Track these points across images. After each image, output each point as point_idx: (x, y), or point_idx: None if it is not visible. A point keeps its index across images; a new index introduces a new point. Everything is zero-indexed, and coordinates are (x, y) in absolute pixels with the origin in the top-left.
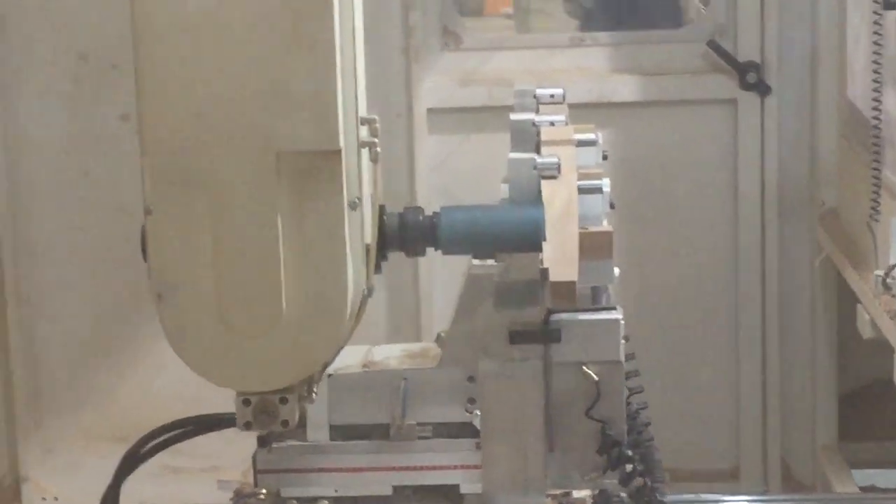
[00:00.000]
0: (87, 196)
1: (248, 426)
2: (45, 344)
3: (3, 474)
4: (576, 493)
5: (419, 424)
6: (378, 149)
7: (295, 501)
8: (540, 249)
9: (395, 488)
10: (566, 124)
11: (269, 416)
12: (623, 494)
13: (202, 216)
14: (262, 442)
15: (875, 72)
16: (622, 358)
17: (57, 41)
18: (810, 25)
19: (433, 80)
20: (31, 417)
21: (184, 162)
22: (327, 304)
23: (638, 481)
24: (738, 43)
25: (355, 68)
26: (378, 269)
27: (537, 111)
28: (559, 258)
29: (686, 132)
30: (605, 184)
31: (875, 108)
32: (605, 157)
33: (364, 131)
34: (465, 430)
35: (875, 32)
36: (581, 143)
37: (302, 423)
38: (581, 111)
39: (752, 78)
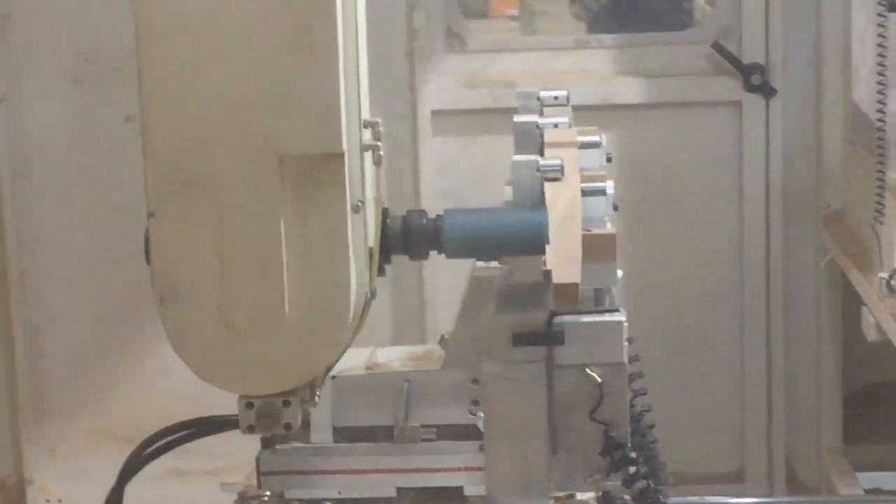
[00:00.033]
0: (90, 197)
1: (250, 429)
2: (48, 345)
3: (8, 476)
4: (579, 496)
5: (423, 426)
6: (381, 152)
7: (298, 503)
8: (543, 252)
9: (399, 490)
10: (570, 126)
11: (271, 419)
12: (627, 497)
13: (205, 219)
14: (266, 444)
15: (880, 74)
16: (625, 360)
17: (60, 42)
18: (815, 27)
19: (437, 83)
20: (35, 419)
21: (187, 165)
22: (330, 307)
23: (641, 483)
24: (742, 45)
25: (358, 71)
26: (381, 272)
27: (541, 113)
28: (562, 260)
29: (690, 134)
30: (609, 186)
31: (879, 111)
32: (608, 160)
33: (367, 134)
34: (468, 433)
35: (879, 35)
36: (585, 146)
37: (306, 424)
38: (586, 113)
39: (756, 80)
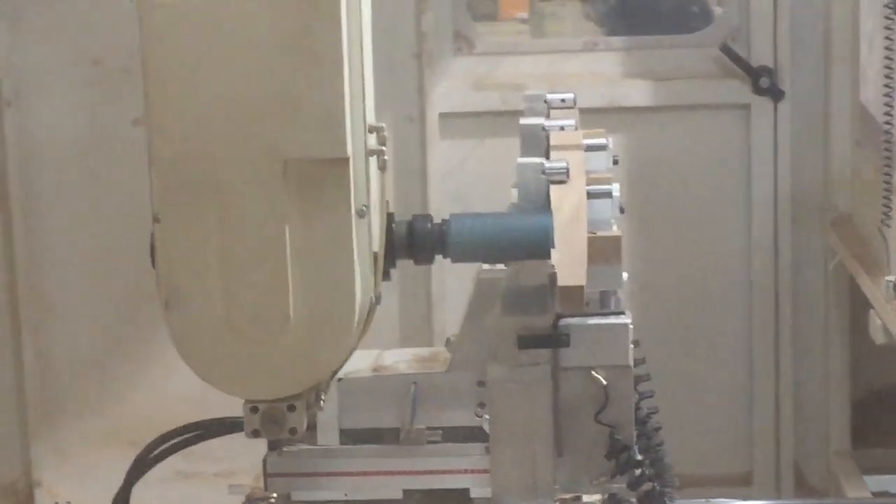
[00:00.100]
0: (99, 200)
1: (255, 434)
2: (57, 348)
3: (16, 479)
4: (586, 498)
5: (429, 429)
6: (386, 157)
7: None
8: (549, 257)
9: (405, 492)
10: (576, 129)
11: (276, 423)
12: (633, 500)
13: (210, 224)
14: (273, 446)
15: (887, 76)
16: (631, 362)
17: (69, 45)
18: (823, 30)
19: (446, 85)
20: (44, 422)
21: (191, 169)
22: (335, 311)
23: (647, 486)
24: (750, 47)
25: (363, 75)
26: (387, 276)
27: (548, 116)
28: (567, 263)
29: (698, 137)
30: (615, 188)
31: (887, 113)
32: (615, 162)
33: (372, 139)
34: (474, 435)
35: (887, 37)
36: (591, 148)
37: (312, 426)
38: (594, 116)
39: (765, 83)
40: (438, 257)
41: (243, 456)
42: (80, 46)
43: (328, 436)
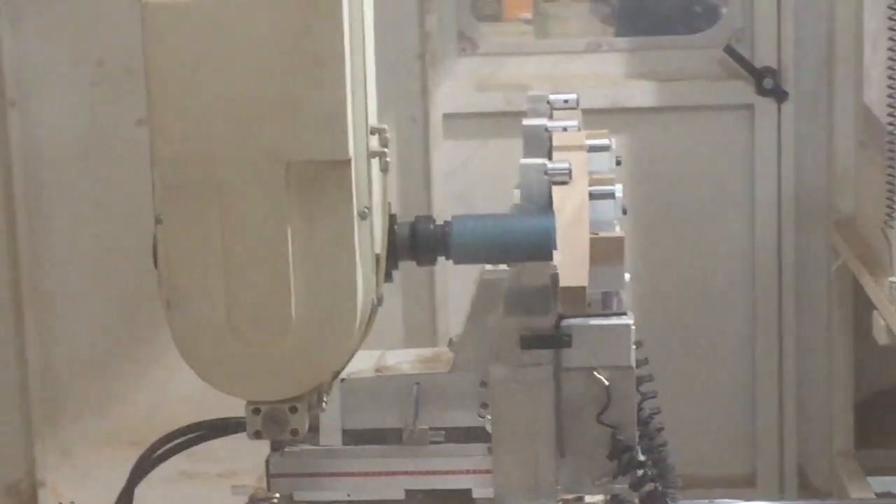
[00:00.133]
0: (103, 200)
1: (257, 435)
2: (60, 348)
3: (20, 479)
4: (588, 499)
5: (431, 429)
6: (388, 158)
7: None
8: (551, 259)
9: (408, 492)
10: (579, 130)
11: (278, 425)
12: (636, 500)
13: (212, 225)
14: (276, 446)
15: (891, 77)
16: (633, 363)
17: (74, 46)
18: (827, 31)
19: (449, 86)
20: (48, 422)
21: (194, 172)
22: (337, 313)
23: (649, 486)
24: (754, 48)
25: (365, 77)
26: (389, 278)
27: (551, 116)
28: (569, 263)
29: (702, 138)
30: (618, 189)
31: (890, 114)
32: (618, 163)
33: (374, 141)
34: (477, 435)
35: (890, 38)
36: (594, 149)
37: (315, 427)
38: (597, 117)
39: (768, 83)
40: (441, 258)
41: (246, 456)
42: (83, 47)
43: (331, 436)
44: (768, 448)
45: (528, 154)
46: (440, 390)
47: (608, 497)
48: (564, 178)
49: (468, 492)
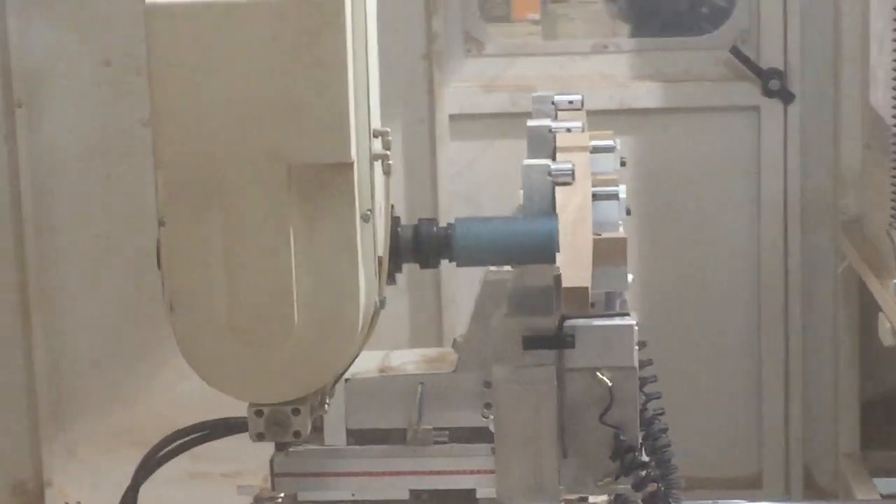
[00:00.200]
0: (111, 201)
1: (260, 437)
2: (68, 348)
3: (27, 478)
4: (591, 499)
5: (436, 429)
6: (390, 161)
7: None
8: (554, 261)
9: (412, 492)
10: (583, 131)
11: (281, 427)
12: (640, 500)
13: (214, 228)
14: (280, 446)
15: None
16: (636, 364)
17: (81, 46)
18: (833, 32)
19: (455, 87)
20: (55, 422)
21: (196, 174)
22: (339, 316)
23: (652, 487)
24: (760, 50)
25: (368, 80)
26: (392, 280)
27: (555, 117)
28: (572, 264)
29: (708, 139)
30: (621, 190)
31: (895, 115)
32: (622, 164)
33: (377, 143)
34: (481, 435)
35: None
36: (599, 150)
37: (319, 427)
38: (603, 118)
39: (774, 85)
40: (445, 260)
41: (252, 456)
42: (91, 47)
43: (335, 436)
44: (774, 449)
45: (531, 155)
46: (444, 390)
47: (612, 497)
48: (567, 178)
49: (472, 492)
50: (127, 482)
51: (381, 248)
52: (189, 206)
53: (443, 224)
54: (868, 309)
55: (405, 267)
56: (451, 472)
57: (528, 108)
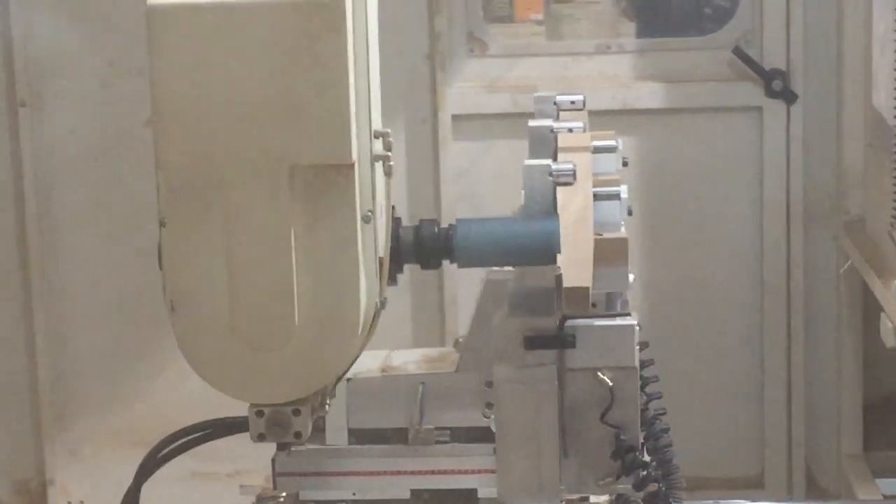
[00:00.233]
0: (113, 200)
1: (261, 437)
2: (71, 347)
3: (30, 477)
4: (593, 499)
5: (437, 429)
6: (391, 162)
7: None
8: (555, 262)
9: (413, 492)
10: (584, 131)
11: (281, 427)
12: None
13: (215, 228)
14: (282, 445)
15: None
16: (637, 364)
17: (85, 46)
18: (836, 33)
19: (458, 87)
20: (57, 421)
21: (197, 175)
22: (340, 317)
23: (652, 486)
24: (763, 50)
25: (369, 81)
26: (393, 281)
27: (557, 117)
28: (573, 264)
29: (711, 140)
30: (623, 190)
31: None
32: (625, 164)
33: (378, 144)
34: (482, 435)
35: None
36: (601, 150)
37: (321, 427)
38: (606, 118)
39: (777, 85)
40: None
41: (255, 456)
42: (94, 47)
43: (337, 435)
44: (776, 449)
45: (533, 155)
46: (446, 390)
47: (613, 497)
48: (568, 179)
49: (473, 492)
50: (129, 481)
51: (382, 249)
52: (190, 207)
53: (445, 224)
54: (870, 309)
55: (408, 267)
56: (452, 472)
57: (530, 109)
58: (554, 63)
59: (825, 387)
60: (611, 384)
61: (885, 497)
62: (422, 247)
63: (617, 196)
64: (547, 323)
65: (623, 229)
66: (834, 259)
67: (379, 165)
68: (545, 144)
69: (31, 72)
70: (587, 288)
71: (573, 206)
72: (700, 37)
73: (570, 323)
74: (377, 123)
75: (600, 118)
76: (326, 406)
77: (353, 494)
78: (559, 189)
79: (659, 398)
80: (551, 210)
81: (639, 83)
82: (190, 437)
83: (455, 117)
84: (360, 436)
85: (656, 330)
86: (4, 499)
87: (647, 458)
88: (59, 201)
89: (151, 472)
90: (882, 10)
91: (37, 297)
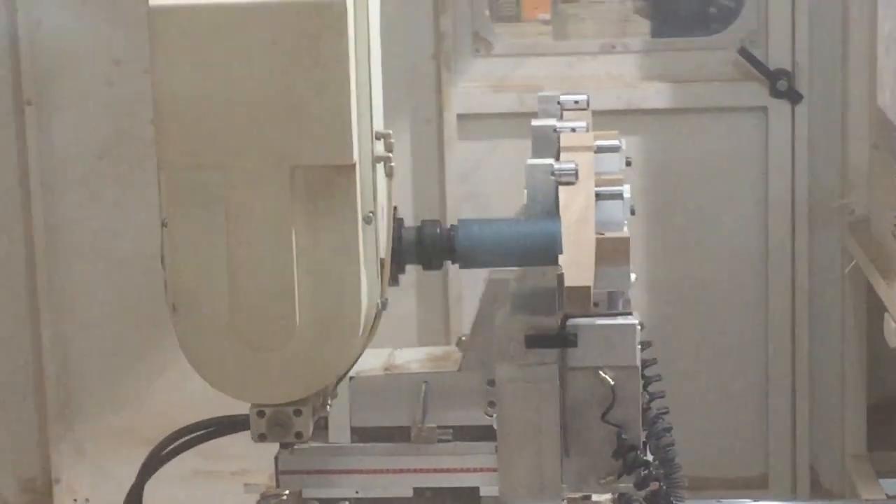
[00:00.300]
0: (120, 200)
1: (262, 438)
2: (77, 347)
3: (36, 476)
4: (595, 497)
5: (440, 427)
6: (393, 163)
7: (317, 502)
8: (557, 263)
9: (416, 490)
10: (587, 130)
11: (283, 427)
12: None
13: (217, 229)
14: (285, 444)
15: None
16: (638, 363)
17: (91, 45)
18: (841, 33)
19: (464, 86)
20: (63, 419)
21: (199, 176)
22: (341, 318)
23: (653, 485)
24: (768, 50)
25: (371, 82)
26: (395, 281)
27: (561, 117)
28: (575, 263)
29: (716, 140)
30: (625, 190)
31: None
32: (628, 163)
33: (379, 146)
34: (485, 434)
35: None
36: (604, 150)
37: (323, 425)
38: (611, 118)
39: (782, 85)
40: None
41: (260, 455)
42: (100, 46)
43: (340, 434)
44: (781, 450)
45: (536, 154)
46: (448, 389)
47: (614, 496)
48: (571, 178)
49: (476, 490)
50: (133, 479)
51: (383, 250)
52: (192, 208)
53: (449, 223)
54: (875, 310)
55: (412, 266)
56: (454, 470)
57: (536, 108)
58: (559, 63)
59: (829, 387)
60: (612, 383)
61: (889, 497)
62: (423, 248)
63: (619, 195)
64: (549, 322)
65: (625, 229)
66: (838, 259)
67: (380, 166)
68: (548, 144)
69: (38, 71)
70: (589, 287)
71: (575, 205)
72: (705, 37)
73: (571, 322)
74: (378, 124)
75: (606, 118)
76: (328, 406)
77: (356, 492)
78: (561, 188)
79: (662, 397)
80: (553, 209)
81: (644, 83)
82: (193, 435)
83: (460, 117)
84: (363, 434)
85: (661, 329)
86: (11, 498)
87: (649, 457)
88: (65, 200)
89: (155, 470)
90: (887, 11)
91: (43, 296)
